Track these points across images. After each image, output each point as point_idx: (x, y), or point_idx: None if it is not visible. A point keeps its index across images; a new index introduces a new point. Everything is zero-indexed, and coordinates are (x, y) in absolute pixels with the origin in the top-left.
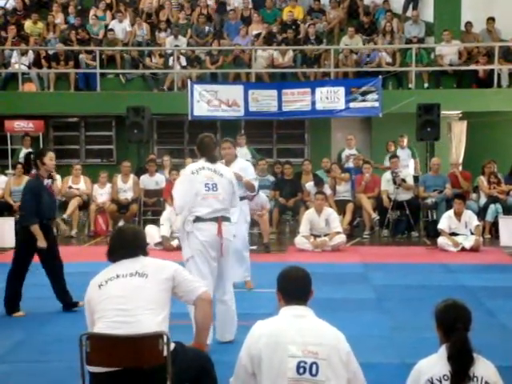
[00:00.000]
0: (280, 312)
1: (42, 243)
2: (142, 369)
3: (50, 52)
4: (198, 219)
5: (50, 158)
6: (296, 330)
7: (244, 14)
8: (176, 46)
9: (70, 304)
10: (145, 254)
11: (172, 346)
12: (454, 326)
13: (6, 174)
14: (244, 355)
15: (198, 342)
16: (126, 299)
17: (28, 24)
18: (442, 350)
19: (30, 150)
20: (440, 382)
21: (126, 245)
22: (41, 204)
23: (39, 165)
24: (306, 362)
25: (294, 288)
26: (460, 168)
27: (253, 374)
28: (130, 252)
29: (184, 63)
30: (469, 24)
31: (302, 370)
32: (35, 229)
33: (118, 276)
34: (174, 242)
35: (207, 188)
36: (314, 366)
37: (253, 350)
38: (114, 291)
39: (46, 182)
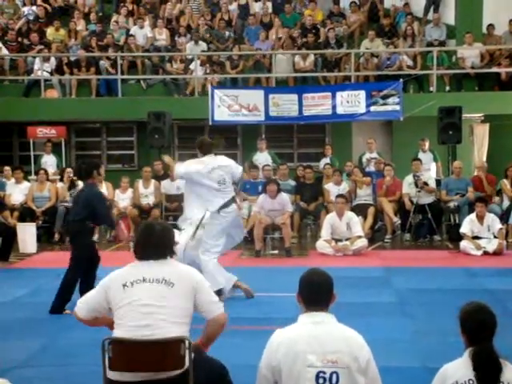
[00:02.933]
0: (299, 319)
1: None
2: (161, 380)
3: (72, 58)
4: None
5: (102, 170)
6: (315, 338)
7: (264, 20)
8: (202, 51)
9: None
10: (172, 253)
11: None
12: (478, 332)
13: (29, 180)
14: (264, 366)
15: (203, 344)
16: (149, 309)
17: (50, 31)
18: (467, 354)
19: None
20: None
21: (154, 241)
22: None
23: (95, 175)
24: (325, 373)
25: (315, 293)
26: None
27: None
28: (158, 252)
29: (205, 69)
30: (491, 26)
31: (321, 381)
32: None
33: (144, 280)
34: None
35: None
36: (335, 376)
37: (272, 361)
38: (139, 298)
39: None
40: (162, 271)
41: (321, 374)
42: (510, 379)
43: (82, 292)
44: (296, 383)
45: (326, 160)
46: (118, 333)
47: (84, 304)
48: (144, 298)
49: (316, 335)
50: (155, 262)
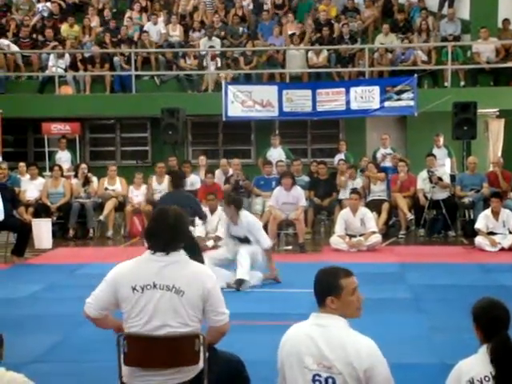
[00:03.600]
0: (310, 316)
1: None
2: None
3: (86, 55)
4: None
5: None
6: (314, 340)
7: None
8: (210, 46)
9: None
10: (182, 242)
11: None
12: (493, 327)
13: (43, 176)
14: (278, 360)
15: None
16: (158, 317)
17: (64, 27)
18: (483, 351)
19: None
20: (481, 382)
21: (166, 229)
22: None
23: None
24: (320, 376)
25: (318, 291)
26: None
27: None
28: (171, 244)
29: (219, 64)
30: (506, 21)
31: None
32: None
33: (154, 286)
34: (209, 243)
35: None
36: (330, 380)
37: (279, 357)
38: (149, 306)
39: None
40: (172, 275)
41: (317, 377)
42: None
43: None
44: (295, 382)
45: (340, 156)
46: (132, 330)
47: (93, 301)
48: (155, 307)
49: (316, 338)
50: (166, 258)
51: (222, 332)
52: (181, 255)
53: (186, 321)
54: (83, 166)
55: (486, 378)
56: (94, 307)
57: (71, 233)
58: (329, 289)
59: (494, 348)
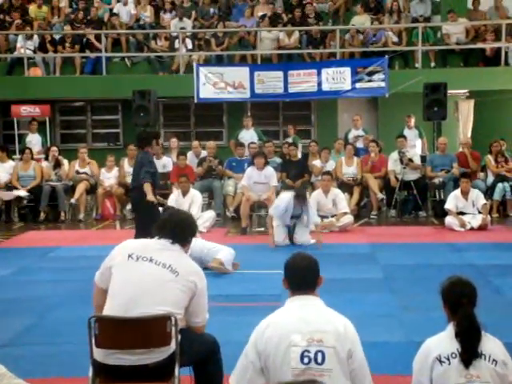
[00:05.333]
0: (286, 303)
1: (151, 198)
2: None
3: (56, 36)
4: None
5: (160, 142)
6: (301, 318)
7: None
8: (181, 28)
9: None
10: (190, 237)
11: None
12: (459, 303)
13: (13, 159)
14: (250, 351)
15: None
16: (143, 291)
17: (32, 8)
18: (450, 328)
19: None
20: (448, 359)
21: (174, 221)
22: (154, 174)
23: (153, 144)
24: (309, 352)
25: (301, 277)
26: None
27: (261, 370)
28: (176, 232)
29: (190, 46)
30: (476, 1)
31: (306, 360)
32: (147, 186)
33: (151, 260)
34: None
35: None
36: (320, 355)
37: (259, 345)
38: (138, 276)
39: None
40: (171, 259)
41: (305, 353)
42: (490, 351)
43: None
44: (281, 365)
45: (288, 139)
46: (108, 306)
47: (99, 270)
48: (143, 276)
49: (302, 316)
50: (170, 246)
51: (198, 332)
52: (183, 251)
53: (169, 300)
54: (53, 148)
55: (453, 355)
56: (98, 276)
57: (42, 216)
58: (317, 271)
59: (458, 323)
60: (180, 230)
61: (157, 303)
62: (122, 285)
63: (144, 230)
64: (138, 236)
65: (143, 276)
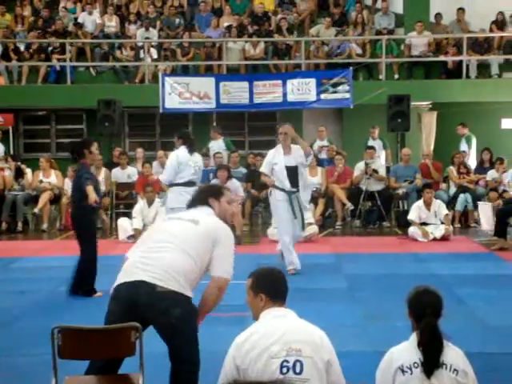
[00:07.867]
0: (261, 316)
1: (92, 198)
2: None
3: (19, 44)
4: None
5: (95, 148)
6: (278, 329)
7: (215, 6)
8: (147, 38)
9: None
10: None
11: (179, 311)
12: (424, 313)
13: None
14: (228, 366)
15: (200, 310)
16: (169, 235)
17: None
18: (413, 338)
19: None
20: (410, 369)
21: (198, 191)
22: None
23: (86, 154)
24: (288, 362)
25: (281, 289)
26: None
27: None
28: (201, 198)
29: (155, 56)
30: (438, 15)
31: (285, 370)
32: (89, 188)
33: (179, 218)
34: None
35: None
36: (298, 364)
37: (237, 360)
38: (165, 226)
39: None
40: (196, 214)
41: (284, 364)
42: (451, 361)
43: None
44: (261, 377)
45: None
46: (130, 254)
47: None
48: (167, 228)
49: (279, 327)
50: (193, 210)
51: (218, 285)
52: (210, 209)
53: (187, 244)
54: (9, 159)
55: (415, 365)
56: None
57: (4, 226)
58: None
59: (420, 333)
60: (203, 198)
61: (178, 247)
62: (150, 232)
63: (90, 245)
64: (85, 251)
65: (166, 227)
